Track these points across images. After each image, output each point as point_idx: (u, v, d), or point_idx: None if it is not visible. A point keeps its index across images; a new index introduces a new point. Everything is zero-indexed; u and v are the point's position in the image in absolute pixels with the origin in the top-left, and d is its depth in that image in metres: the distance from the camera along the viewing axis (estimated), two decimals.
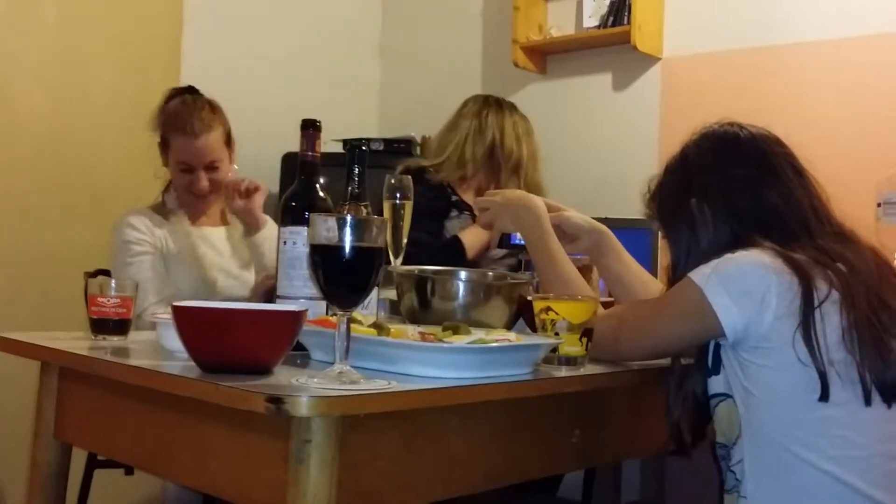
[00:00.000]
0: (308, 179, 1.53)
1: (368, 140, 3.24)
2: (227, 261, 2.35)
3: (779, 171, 1.45)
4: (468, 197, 2.70)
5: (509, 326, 1.63)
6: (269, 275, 1.98)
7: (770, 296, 1.30)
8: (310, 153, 1.53)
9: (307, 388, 1.11)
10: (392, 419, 1.17)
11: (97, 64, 3.00)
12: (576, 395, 1.45)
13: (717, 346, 1.40)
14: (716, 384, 1.41)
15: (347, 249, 1.13)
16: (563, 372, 1.42)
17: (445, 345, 1.30)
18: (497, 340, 1.34)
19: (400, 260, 1.73)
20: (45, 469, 1.53)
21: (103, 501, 2.53)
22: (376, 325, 1.38)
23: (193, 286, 2.27)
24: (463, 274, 1.74)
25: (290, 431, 1.09)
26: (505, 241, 2.50)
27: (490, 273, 1.84)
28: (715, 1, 3.05)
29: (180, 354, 1.29)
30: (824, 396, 1.27)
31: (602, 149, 3.29)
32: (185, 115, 2.22)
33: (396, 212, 1.72)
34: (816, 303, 1.29)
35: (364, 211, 1.54)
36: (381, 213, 1.71)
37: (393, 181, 1.73)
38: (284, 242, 1.49)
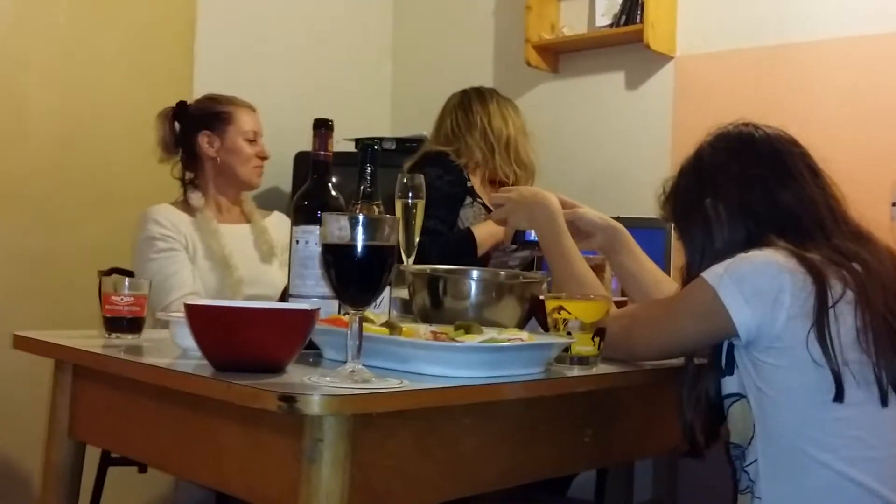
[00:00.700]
0: (320, 178, 1.53)
1: (381, 139, 3.25)
2: (252, 258, 2.38)
3: (794, 171, 1.44)
4: (475, 184, 2.75)
5: (521, 326, 1.63)
6: None
7: (784, 295, 1.29)
8: (322, 152, 1.53)
9: (319, 386, 1.11)
10: (404, 418, 1.17)
11: (110, 64, 3.01)
12: (588, 394, 1.44)
13: (731, 347, 1.39)
14: (729, 384, 1.40)
15: (360, 248, 1.13)
16: (576, 371, 1.42)
17: (457, 344, 1.30)
18: (509, 340, 1.33)
19: (412, 259, 1.73)
20: (59, 467, 1.54)
21: (117, 499, 2.54)
22: (388, 325, 1.38)
23: (217, 283, 2.28)
24: (475, 273, 1.73)
25: (303, 430, 1.09)
26: (519, 237, 2.50)
27: (502, 272, 1.84)
28: None
29: (193, 353, 1.29)
30: (839, 397, 1.27)
31: (615, 148, 3.28)
32: (234, 96, 2.49)
33: (408, 211, 1.72)
34: (831, 302, 1.28)
35: (376, 210, 1.53)
36: (392, 213, 1.71)
37: (405, 180, 1.73)
38: (297, 241, 1.49)
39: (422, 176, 1.77)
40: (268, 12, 3.51)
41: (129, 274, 2.26)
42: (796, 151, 1.46)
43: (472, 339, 1.32)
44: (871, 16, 2.72)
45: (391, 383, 1.16)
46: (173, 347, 1.41)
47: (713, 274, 1.35)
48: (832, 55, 2.78)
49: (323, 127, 1.53)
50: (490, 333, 1.36)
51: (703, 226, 1.44)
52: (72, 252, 2.88)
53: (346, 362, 1.16)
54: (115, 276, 1.59)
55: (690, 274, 1.44)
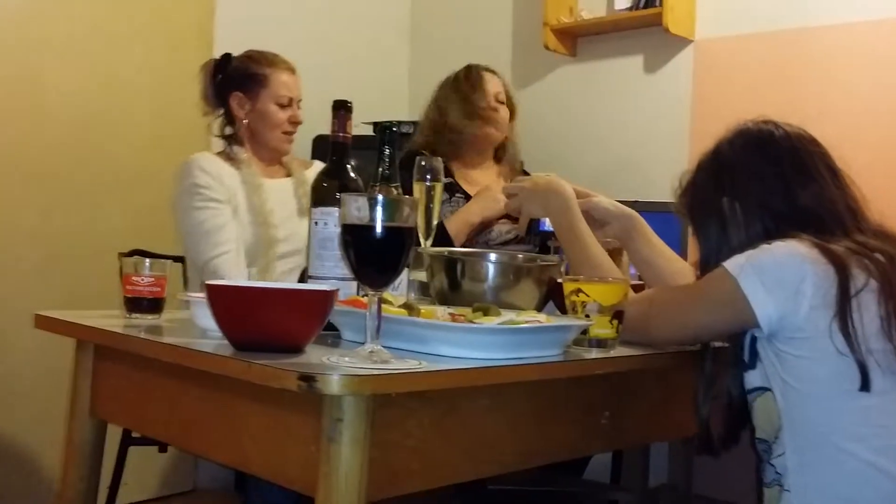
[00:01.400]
0: (339, 160, 1.54)
1: (399, 122, 3.24)
2: (291, 214, 2.36)
3: (813, 170, 1.42)
4: (455, 175, 2.69)
5: (539, 309, 1.63)
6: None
7: (805, 286, 1.29)
8: (341, 134, 1.54)
9: (339, 366, 1.11)
10: (422, 399, 1.18)
11: (129, 42, 3.02)
12: (606, 377, 1.45)
13: (754, 339, 1.39)
14: (753, 378, 1.40)
15: (378, 228, 1.13)
16: (594, 354, 1.42)
17: (476, 325, 1.30)
18: (527, 322, 1.34)
19: (430, 241, 1.73)
20: (81, 446, 1.56)
21: (137, 478, 2.57)
22: (407, 306, 1.39)
23: (254, 238, 2.27)
24: (493, 256, 1.74)
25: (322, 409, 1.10)
26: (534, 227, 2.47)
27: (520, 255, 1.84)
28: None
29: (214, 333, 1.30)
30: (865, 386, 1.26)
31: (633, 132, 3.27)
32: (275, 55, 2.42)
33: (427, 193, 1.72)
34: (853, 292, 1.28)
35: (394, 192, 1.54)
36: (410, 195, 1.71)
37: (424, 163, 1.74)
38: (316, 223, 1.50)
39: (440, 158, 1.77)
40: None
41: (151, 255, 2.27)
42: (816, 151, 1.45)
43: (490, 321, 1.33)
44: None
45: (410, 364, 1.16)
46: (194, 327, 1.42)
47: (735, 264, 1.34)
48: (854, 38, 2.75)
49: (342, 108, 1.54)
50: (508, 315, 1.37)
51: (720, 224, 1.43)
52: (91, 231, 2.90)
53: (364, 343, 1.17)
54: (135, 258, 1.60)
55: (704, 271, 1.43)
